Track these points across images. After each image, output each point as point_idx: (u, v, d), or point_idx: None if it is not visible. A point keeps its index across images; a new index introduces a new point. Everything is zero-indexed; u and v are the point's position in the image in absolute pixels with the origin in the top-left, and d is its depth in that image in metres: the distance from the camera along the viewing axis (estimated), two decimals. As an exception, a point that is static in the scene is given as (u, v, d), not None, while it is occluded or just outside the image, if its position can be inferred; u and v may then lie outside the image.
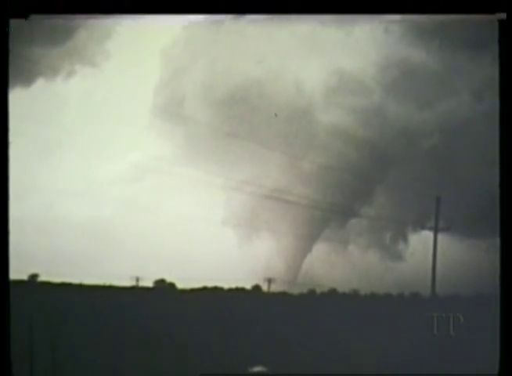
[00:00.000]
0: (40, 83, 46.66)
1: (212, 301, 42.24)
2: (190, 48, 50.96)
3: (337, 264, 50.91)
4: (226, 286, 44.08)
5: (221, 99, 50.17)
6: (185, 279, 43.01)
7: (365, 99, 50.98)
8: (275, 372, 37.30)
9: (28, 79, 45.45)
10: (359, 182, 50.50)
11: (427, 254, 46.22)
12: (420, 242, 48.50)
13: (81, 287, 40.29)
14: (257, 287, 46.01)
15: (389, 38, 49.82)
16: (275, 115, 48.69)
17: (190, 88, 50.95)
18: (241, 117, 49.87)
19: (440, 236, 46.19)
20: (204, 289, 43.97)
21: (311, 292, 47.11)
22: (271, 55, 50.41)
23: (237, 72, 50.34)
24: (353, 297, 46.57)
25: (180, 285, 44.11)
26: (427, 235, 46.69)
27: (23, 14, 19.19)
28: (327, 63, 50.33)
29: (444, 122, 50.44)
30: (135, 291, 42.75)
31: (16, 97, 40.61)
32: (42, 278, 41.01)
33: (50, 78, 47.21)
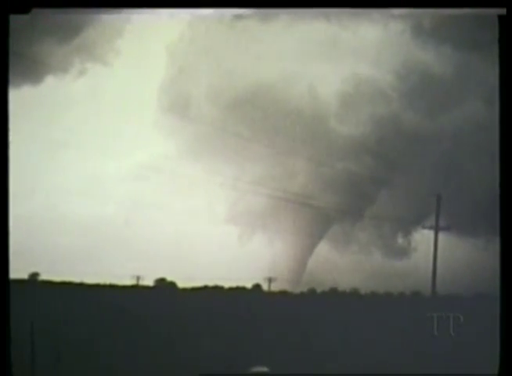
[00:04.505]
0: (49, 81, 46.67)
1: (213, 300, 42.25)
2: (200, 48, 50.91)
3: (339, 263, 50.96)
4: (227, 285, 44.12)
5: (230, 100, 50.12)
6: (186, 278, 43.04)
7: (375, 102, 51.11)
8: (275, 372, 37.30)
9: (36, 77, 45.44)
10: (366, 183, 50.60)
11: (428, 254, 46.23)
12: (422, 241, 48.53)
13: (81, 286, 40.32)
14: (257, 286, 46.03)
15: (398, 42, 49.92)
16: None
17: (199, 89, 50.91)
18: (249, 119, 49.85)
19: (441, 236, 46.20)
20: (205, 288, 43.99)
21: (312, 291, 47.14)
22: (280, 56, 50.37)
23: (247, 74, 50.26)
24: (354, 296, 46.62)
25: (181, 284, 44.16)
26: (428, 234, 46.71)
27: (25, 9, 18.96)
28: (339, 66, 50.41)
29: (450, 126, 50.60)
30: (135, 290, 42.78)
31: (24, 96, 40.79)
32: (43, 277, 41.10)
33: (60, 77, 47.20)
